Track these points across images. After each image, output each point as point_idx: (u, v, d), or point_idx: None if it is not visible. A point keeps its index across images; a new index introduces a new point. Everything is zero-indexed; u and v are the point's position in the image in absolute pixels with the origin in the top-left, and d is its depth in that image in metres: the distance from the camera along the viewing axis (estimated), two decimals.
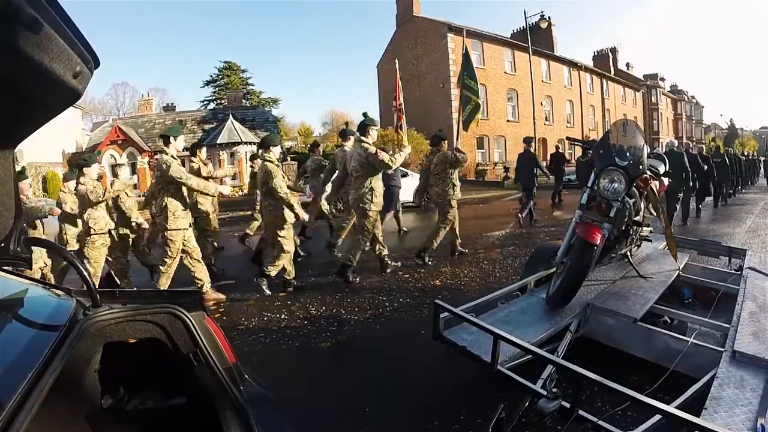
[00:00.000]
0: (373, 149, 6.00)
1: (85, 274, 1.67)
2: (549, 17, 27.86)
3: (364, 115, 6.42)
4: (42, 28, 0.94)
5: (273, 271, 5.82)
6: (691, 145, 12.53)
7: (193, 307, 1.80)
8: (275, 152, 5.86)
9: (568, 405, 2.14)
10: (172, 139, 5.45)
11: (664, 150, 13.07)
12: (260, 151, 6.22)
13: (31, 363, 1.27)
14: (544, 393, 2.23)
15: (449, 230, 7.21)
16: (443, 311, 2.93)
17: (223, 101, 33.82)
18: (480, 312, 3.30)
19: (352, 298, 5.59)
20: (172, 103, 34.67)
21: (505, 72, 29.63)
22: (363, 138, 6.15)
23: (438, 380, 3.48)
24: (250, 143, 23.95)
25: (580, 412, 2.11)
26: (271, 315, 5.13)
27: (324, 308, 5.28)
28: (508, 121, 29.11)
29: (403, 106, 8.88)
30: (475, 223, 11.08)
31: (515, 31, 34.39)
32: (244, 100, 31.44)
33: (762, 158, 32.36)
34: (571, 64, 34.45)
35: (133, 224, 6.82)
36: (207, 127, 25.49)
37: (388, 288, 5.96)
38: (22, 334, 1.54)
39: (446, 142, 7.62)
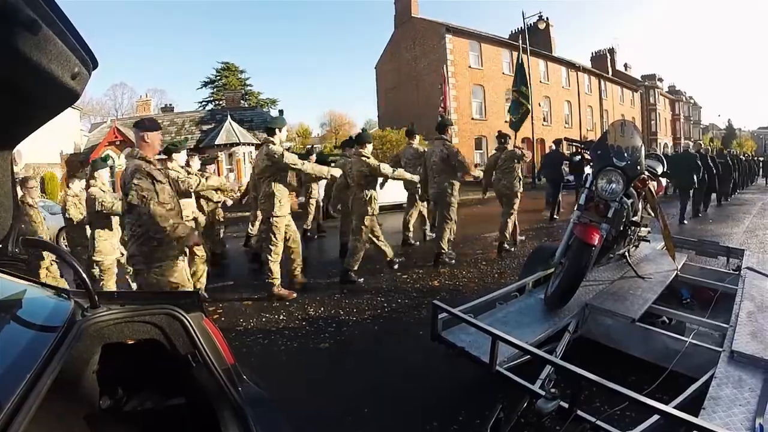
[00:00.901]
0: (454, 149, 6.90)
1: (83, 275, 1.67)
2: (547, 18, 27.85)
3: (441, 117, 6.93)
4: (40, 30, 0.95)
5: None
6: (702, 147, 13.32)
7: (191, 308, 1.80)
8: (281, 136, 5.81)
9: (566, 405, 2.15)
10: (277, 130, 5.66)
11: (679, 151, 13.89)
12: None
13: (29, 364, 1.27)
14: (543, 393, 2.24)
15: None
16: (441, 312, 2.93)
17: (221, 102, 33.75)
18: (478, 313, 3.30)
19: (350, 299, 5.59)
20: (170, 104, 34.56)
21: (503, 72, 29.64)
22: (444, 136, 7.01)
23: (436, 381, 3.48)
24: (249, 144, 23.93)
25: (579, 412, 2.12)
26: (269, 316, 5.12)
27: (322, 309, 5.28)
28: (506, 121, 29.07)
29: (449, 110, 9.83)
30: (473, 224, 11.07)
31: (513, 31, 34.41)
32: (242, 101, 31.37)
33: (761, 159, 32.46)
34: (569, 65, 34.49)
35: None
36: (205, 127, 25.41)
37: (386, 289, 5.96)
38: (20, 335, 1.53)
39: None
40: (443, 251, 7.01)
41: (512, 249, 7.84)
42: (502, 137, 8.28)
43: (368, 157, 6.30)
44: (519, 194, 7.81)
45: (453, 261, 7.10)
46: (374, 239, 6.60)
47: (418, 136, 8.01)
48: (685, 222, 10.70)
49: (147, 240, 3.57)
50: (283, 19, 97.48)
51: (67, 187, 6.05)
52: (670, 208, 11.92)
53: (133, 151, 3.67)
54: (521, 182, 7.90)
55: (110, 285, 5.72)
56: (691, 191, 10.86)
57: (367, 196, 6.32)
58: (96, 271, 5.66)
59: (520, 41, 23.20)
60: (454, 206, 6.93)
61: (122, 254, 5.76)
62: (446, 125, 7.13)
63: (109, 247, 5.72)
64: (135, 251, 3.63)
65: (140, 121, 3.79)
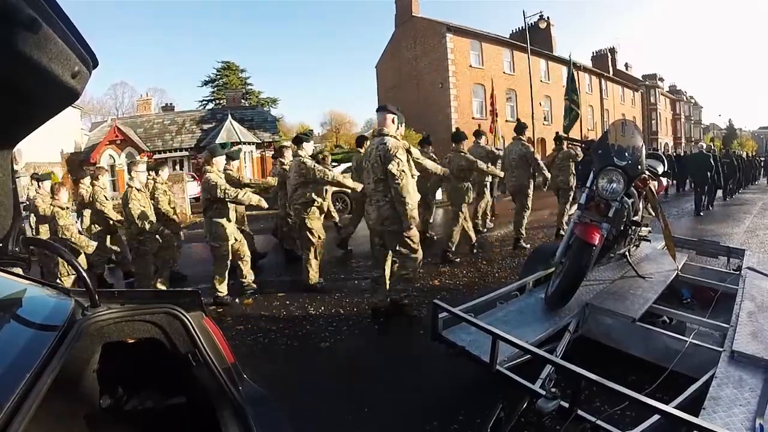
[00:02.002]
0: (531, 149, 8.00)
1: (84, 273, 1.67)
2: (548, 17, 27.83)
3: (518, 120, 7.72)
4: (41, 28, 0.95)
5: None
6: (713, 148, 14.34)
7: (191, 307, 1.80)
8: (308, 149, 6.12)
9: (566, 405, 2.15)
10: (305, 143, 6.01)
11: (685, 152, 15.50)
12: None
13: (29, 363, 1.27)
14: (543, 393, 2.24)
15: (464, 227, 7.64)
16: (442, 311, 2.93)
17: (221, 101, 33.76)
18: (479, 312, 3.30)
19: (351, 298, 5.59)
20: (170, 103, 34.54)
21: (504, 72, 29.64)
22: (521, 138, 8.12)
23: (437, 380, 3.48)
24: (249, 143, 23.92)
25: (579, 411, 2.12)
26: (269, 315, 5.13)
27: (323, 308, 5.28)
28: (507, 121, 29.03)
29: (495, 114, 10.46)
30: (474, 223, 11.04)
31: (514, 31, 34.38)
32: (243, 100, 31.34)
33: (761, 158, 32.51)
34: (569, 64, 34.46)
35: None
36: (206, 127, 25.37)
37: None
38: (20, 334, 1.53)
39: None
40: (522, 236, 8.09)
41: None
42: (558, 139, 9.39)
43: (465, 152, 7.33)
44: (573, 188, 8.85)
45: (528, 246, 7.86)
46: (465, 225, 7.41)
47: (483, 136, 8.80)
48: (701, 214, 11.92)
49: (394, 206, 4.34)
50: (283, 19, 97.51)
51: (128, 185, 5.92)
52: (684, 204, 13.31)
53: (383, 130, 4.43)
54: (575, 178, 8.90)
55: (225, 272, 5.77)
56: (706, 186, 12.34)
57: (464, 187, 7.29)
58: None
59: (528, 41, 23.18)
60: (530, 197, 8.06)
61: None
62: (524, 128, 8.22)
63: (228, 232, 5.69)
64: (390, 214, 4.38)
65: (384, 106, 4.59)
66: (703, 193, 12.37)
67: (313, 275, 6.02)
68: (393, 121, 4.44)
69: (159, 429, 1.96)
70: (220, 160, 5.86)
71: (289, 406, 2.54)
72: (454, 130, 8.36)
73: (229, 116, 24.62)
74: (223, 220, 5.61)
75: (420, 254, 4.64)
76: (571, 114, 14.52)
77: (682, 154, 23.67)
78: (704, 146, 13.57)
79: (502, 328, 2.70)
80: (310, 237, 5.92)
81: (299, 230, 6.10)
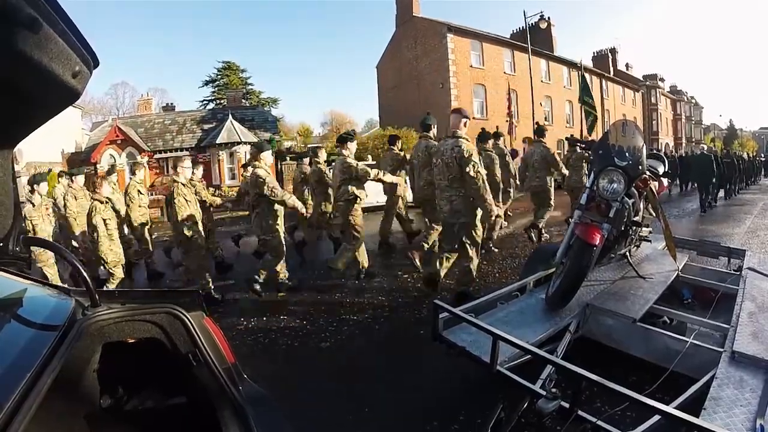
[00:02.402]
0: (551, 151, 8.40)
1: (84, 273, 1.66)
2: (548, 17, 27.89)
3: (537, 124, 7.92)
4: (41, 28, 0.94)
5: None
6: (714, 149, 15.41)
7: (192, 306, 1.80)
8: (352, 147, 6.43)
9: (567, 405, 2.14)
10: (349, 142, 6.33)
11: (696, 153, 16.51)
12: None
13: (29, 363, 1.27)
14: (544, 393, 2.24)
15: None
16: (442, 311, 2.93)
17: (222, 101, 33.70)
18: (479, 312, 3.30)
19: (351, 298, 5.59)
20: (171, 103, 34.47)
21: (504, 72, 29.62)
22: (542, 140, 8.53)
23: (437, 380, 3.48)
24: (250, 143, 23.92)
25: (580, 412, 2.12)
26: (270, 315, 5.13)
27: (323, 308, 5.28)
28: (506, 121, 29.07)
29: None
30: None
31: (515, 31, 34.37)
32: (243, 100, 31.30)
33: (763, 158, 32.53)
34: (571, 65, 34.41)
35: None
36: (206, 126, 25.32)
37: (387, 288, 5.96)
38: (20, 333, 1.53)
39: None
40: (541, 227, 8.32)
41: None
42: (572, 141, 9.28)
43: (492, 151, 7.80)
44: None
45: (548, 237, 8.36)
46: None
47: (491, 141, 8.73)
48: (704, 212, 12.36)
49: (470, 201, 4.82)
50: (283, 19, 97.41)
51: (174, 181, 6.01)
52: (685, 204, 14.18)
53: (456, 132, 4.88)
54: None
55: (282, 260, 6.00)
56: (709, 186, 12.90)
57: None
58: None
59: (528, 41, 23.18)
60: (552, 196, 8.41)
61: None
62: (544, 131, 8.67)
63: (279, 222, 5.88)
64: (461, 208, 4.87)
65: (458, 109, 5.03)
66: (706, 192, 12.86)
67: (364, 261, 6.37)
68: (465, 125, 4.93)
69: (159, 429, 1.97)
70: (267, 156, 5.95)
71: (290, 406, 2.54)
72: (480, 130, 8.58)
73: (230, 116, 24.58)
74: (274, 212, 5.78)
75: (478, 248, 5.21)
76: (590, 118, 15.28)
77: (684, 155, 23.95)
78: (706, 147, 14.51)
79: (503, 329, 2.70)
80: (355, 232, 6.16)
81: (344, 225, 6.32)
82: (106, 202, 5.82)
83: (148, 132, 25.18)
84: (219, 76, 39.33)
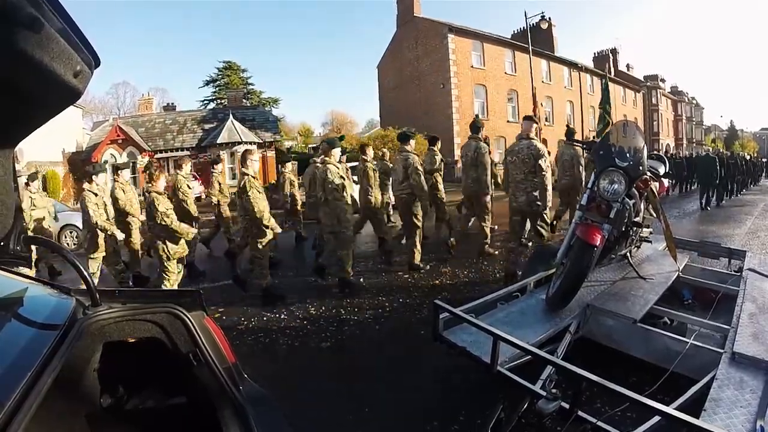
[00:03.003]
0: (579, 152, 8.64)
1: (85, 273, 1.67)
2: (549, 18, 27.81)
3: (567, 126, 8.32)
4: (42, 28, 0.95)
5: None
6: (720, 150, 16.79)
7: (192, 306, 1.80)
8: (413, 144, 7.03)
9: (567, 406, 2.15)
10: (411, 140, 6.95)
11: (701, 154, 17.67)
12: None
13: (30, 362, 1.27)
14: (544, 394, 2.24)
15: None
16: (443, 311, 2.93)
17: (223, 101, 33.68)
18: (480, 312, 3.30)
19: (352, 298, 5.59)
20: (172, 103, 34.53)
21: (505, 72, 29.60)
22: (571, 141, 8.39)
23: (437, 381, 3.48)
24: (251, 143, 23.92)
25: (580, 412, 2.12)
26: (270, 315, 5.13)
27: (324, 308, 5.28)
28: (508, 121, 29.01)
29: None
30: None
31: (516, 31, 34.34)
32: (244, 100, 31.32)
33: (764, 159, 32.57)
34: (572, 65, 34.43)
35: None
36: (207, 126, 25.34)
37: (388, 288, 5.96)
38: (21, 333, 1.53)
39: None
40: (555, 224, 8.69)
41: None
42: (573, 140, 10.00)
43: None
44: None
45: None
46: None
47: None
48: (708, 209, 13.10)
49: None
50: (284, 19, 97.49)
51: (244, 173, 6.01)
52: (686, 204, 14.56)
53: (529, 134, 5.69)
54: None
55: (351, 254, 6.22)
56: (712, 186, 13.70)
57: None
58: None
59: (529, 41, 23.18)
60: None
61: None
62: (573, 133, 8.81)
63: (350, 216, 6.17)
64: (535, 198, 5.57)
65: (530, 116, 5.97)
66: (711, 192, 13.63)
67: (418, 256, 6.82)
68: (535, 130, 5.89)
69: (160, 428, 1.97)
70: (336, 152, 6.17)
71: (290, 405, 2.55)
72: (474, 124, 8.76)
73: (231, 116, 24.60)
74: (348, 207, 6.00)
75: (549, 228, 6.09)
76: (604, 121, 16.59)
77: (688, 156, 24.34)
78: (711, 150, 15.25)
79: (503, 329, 2.70)
80: (416, 222, 6.75)
81: (405, 217, 6.86)
82: (164, 194, 5.86)
83: (149, 132, 25.21)
84: (220, 76, 39.29)
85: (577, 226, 3.33)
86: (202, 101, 39.12)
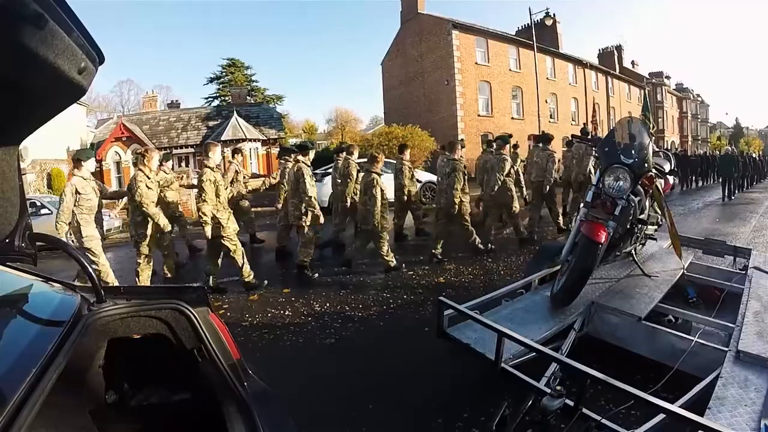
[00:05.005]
0: None
1: (90, 270, 1.67)
2: (554, 14, 27.68)
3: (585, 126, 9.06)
4: (47, 24, 0.94)
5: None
6: (735, 150, 19.14)
7: (197, 302, 1.81)
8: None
9: (571, 403, 2.14)
10: (458, 144, 7.45)
11: (720, 153, 20.71)
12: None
13: (35, 358, 1.27)
14: (548, 391, 2.23)
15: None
16: (447, 308, 2.93)
17: (227, 98, 33.71)
18: (484, 309, 3.30)
19: (356, 295, 5.60)
20: (176, 100, 34.63)
21: (509, 69, 29.50)
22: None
23: (441, 377, 3.48)
24: (255, 140, 23.93)
25: (584, 410, 2.11)
26: (275, 311, 5.14)
27: (328, 305, 5.29)
28: (512, 118, 28.92)
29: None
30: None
31: (520, 28, 34.24)
32: (248, 97, 31.33)
33: None
34: (576, 62, 34.27)
35: None
36: (211, 123, 25.36)
37: (392, 285, 5.97)
38: (26, 329, 1.54)
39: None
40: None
41: None
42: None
43: (554, 152, 8.88)
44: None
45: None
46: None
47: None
48: (732, 198, 15.23)
49: None
50: (288, 16, 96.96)
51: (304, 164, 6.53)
52: (712, 196, 16.05)
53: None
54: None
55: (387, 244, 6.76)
56: (731, 180, 15.73)
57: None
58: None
59: (534, 38, 23.11)
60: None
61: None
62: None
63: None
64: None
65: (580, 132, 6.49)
66: (731, 184, 15.63)
67: (481, 244, 7.45)
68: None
69: (164, 424, 1.97)
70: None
71: (294, 402, 2.55)
72: (540, 132, 9.35)
73: (235, 113, 24.62)
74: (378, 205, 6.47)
75: None
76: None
77: (705, 154, 26.78)
78: (730, 149, 18.07)
79: (508, 326, 2.70)
80: (466, 220, 7.23)
81: (457, 216, 7.19)
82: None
83: (153, 129, 25.25)
84: (224, 73, 39.29)
85: (582, 223, 3.32)
86: (207, 98, 39.13)
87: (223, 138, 23.48)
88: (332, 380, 3.59)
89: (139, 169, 5.97)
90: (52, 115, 1.33)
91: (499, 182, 7.81)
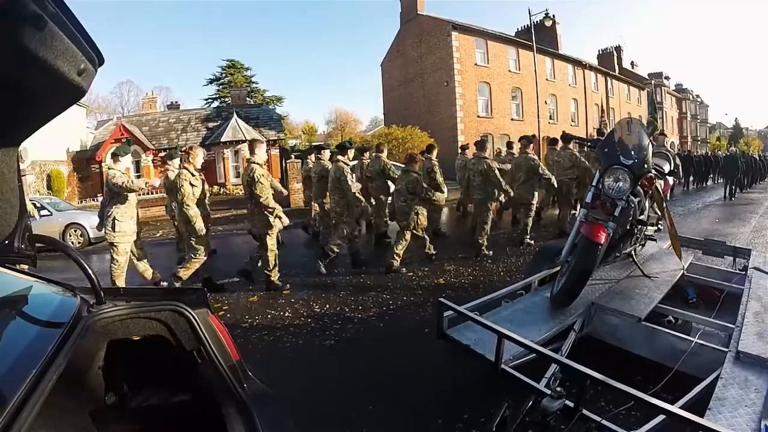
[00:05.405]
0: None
1: (89, 271, 1.67)
2: (553, 15, 27.68)
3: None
4: (46, 25, 0.95)
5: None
6: (738, 150, 21.58)
7: (197, 304, 1.80)
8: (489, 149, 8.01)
9: (571, 404, 2.14)
10: (487, 144, 7.94)
11: (725, 154, 21.34)
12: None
13: (34, 360, 1.27)
14: (548, 392, 2.23)
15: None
16: (447, 309, 2.93)
17: (227, 99, 33.71)
18: (484, 311, 3.30)
19: (356, 296, 5.60)
20: (176, 102, 34.58)
21: (509, 70, 29.51)
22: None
23: (441, 379, 3.48)
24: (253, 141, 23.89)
25: (584, 411, 2.11)
26: (275, 312, 5.14)
27: (328, 306, 5.29)
28: (512, 119, 28.94)
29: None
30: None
31: (520, 29, 34.26)
32: (248, 98, 31.33)
33: None
34: (576, 63, 34.29)
35: None
36: (211, 125, 25.34)
37: (392, 286, 5.96)
38: (26, 331, 1.54)
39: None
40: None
41: None
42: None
43: (576, 153, 9.05)
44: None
45: None
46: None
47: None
48: (734, 198, 15.55)
49: None
50: (287, 17, 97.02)
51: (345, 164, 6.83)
52: (713, 197, 16.38)
53: None
54: None
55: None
56: (735, 179, 16.37)
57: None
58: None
59: (533, 39, 23.13)
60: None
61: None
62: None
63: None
64: None
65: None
66: (733, 184, 16.15)
67: (527, 237, 8.04)
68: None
69: (164, 426, 1.97)
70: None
71: (294, 403, 2.54)
72: (562, 132, 8.95)
73: (235, 114, 24.62)
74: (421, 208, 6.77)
75: None
76: (650, 127, 18.42)
77: (708, 154, 27.22)
78: (734, 150, 19.35)
79: (508, 327, 2.70)
80: (487, 221, 7.56)
81: (481, 217, 7.62)
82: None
83: (153, 130, 25.25)
84: (223, 75, 39.31)
85: (582, 224, 3.32)
86: (206, 100, 39.12)
87: (222, 139, 23.49)
88: (332, 381, 3.59)
89: (184, 167, 5.89)
90: (51, 117, 1.33)
91: (549, 176, 8.11)
